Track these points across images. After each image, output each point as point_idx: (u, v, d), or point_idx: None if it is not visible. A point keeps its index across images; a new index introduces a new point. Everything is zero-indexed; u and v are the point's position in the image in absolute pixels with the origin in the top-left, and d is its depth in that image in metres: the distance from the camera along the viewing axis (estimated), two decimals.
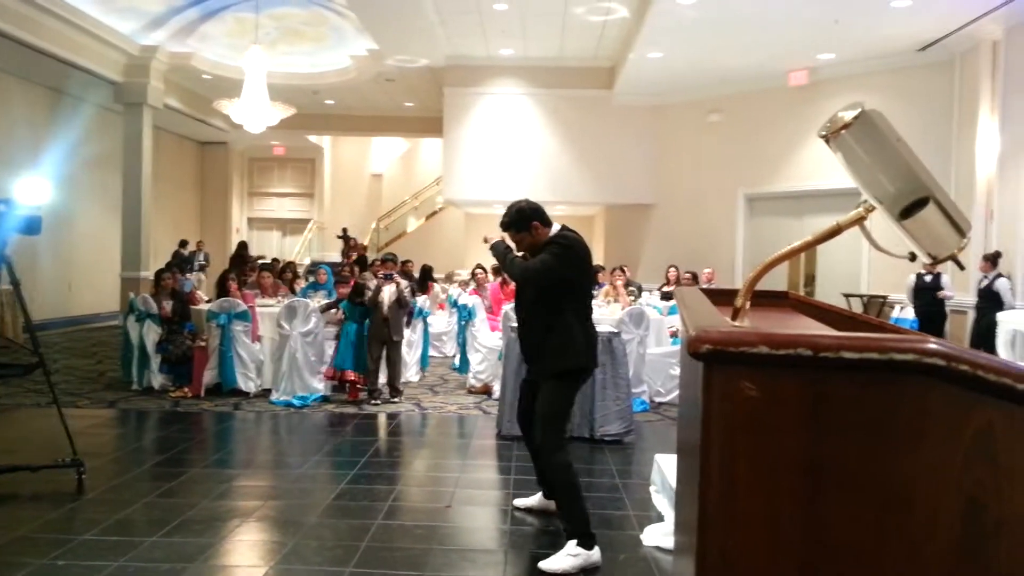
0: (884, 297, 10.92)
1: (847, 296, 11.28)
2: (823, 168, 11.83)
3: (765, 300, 1.88)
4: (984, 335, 7.53)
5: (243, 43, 13.10)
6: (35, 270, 12.70)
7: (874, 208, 1.34)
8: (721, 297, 1.78)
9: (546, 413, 3.81)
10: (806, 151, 12.25)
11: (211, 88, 15.63)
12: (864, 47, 10.83)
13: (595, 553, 3.63)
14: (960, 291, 9.00)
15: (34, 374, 5.07)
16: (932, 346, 0.88)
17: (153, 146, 14.49)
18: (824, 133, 1.34)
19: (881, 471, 0.93)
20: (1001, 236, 8.85)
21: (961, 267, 1.43)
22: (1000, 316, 6.14)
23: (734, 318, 1.41)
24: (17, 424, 6.61)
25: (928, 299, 8.91)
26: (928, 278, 8.76)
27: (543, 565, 3.57)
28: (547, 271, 3.74)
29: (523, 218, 3.87)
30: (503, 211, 3.98)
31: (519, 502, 4.46)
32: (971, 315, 8.67)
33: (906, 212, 1.28)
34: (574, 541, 3.62)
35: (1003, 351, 5.91)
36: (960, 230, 1.29)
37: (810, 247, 1.45)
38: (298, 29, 14.25)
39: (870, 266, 11.31)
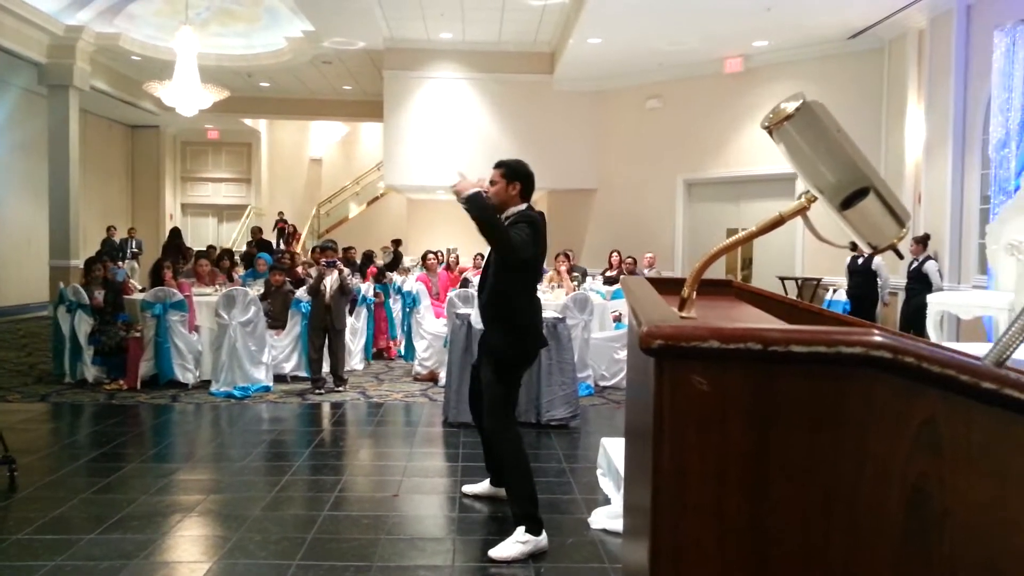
0: (818, 280, 11.23)
1: (782, 279, 11.57)
2: (759, 154, 12.09)
3: (709, 289, 1.92)
4: (913, 316, 7.81)
5: (173, 23, 12.73)
6: None
7: (816, 199, 1.37)
8: (667, 286, 1.81)
9: (493, 395, 3.80)
10: (743, 137, 12.50)
11: (141, 70, 15.16)
12: (797, 34, 11.06)
13: (543, 538, 3.65)
14: (891, 273, 9.31)
15: None
16: (878, 339, 0.91)
17: (80, 130, 14.00)
18: (767, 124, 1.37)
19: (828, 462, 0.96)
20: (929, 219, 9.17)
21: (900, 256, 1.47)
22: (930, 298, 6.37)
23: (681, 309, 1.43)
24: None
25: (860, 281, 9.20)
26: (860, 261, 9.03)
27: (492, 553, 3.59)
28: (524, 248, 3.59)
29: (517, 172, 3.77)
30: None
31: (467, 489, 4.47)
32: (901, 296, 8.99)
33: (847, 203, 1.32)
34: (522, 528, 3.64)
35: (932, 332, 6.14)
36: (900, 220, 1.33)
37: (754, 238, 1.48)
38: (230, 9, 13.90)
39: (804, 250, 11.62)
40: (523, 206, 3.79)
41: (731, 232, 13.11)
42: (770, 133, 1.38)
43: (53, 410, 6.70)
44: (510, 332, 3.80)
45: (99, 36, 13.60)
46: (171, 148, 21.22)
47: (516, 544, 3.60)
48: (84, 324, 7.68)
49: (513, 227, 3.64)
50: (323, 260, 7.55)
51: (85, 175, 14.68)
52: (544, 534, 3.67)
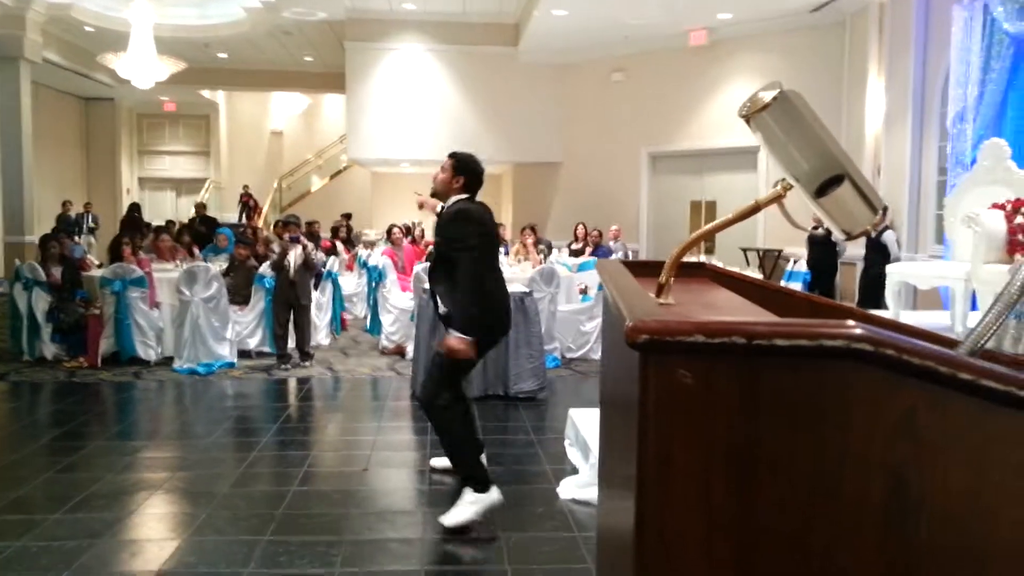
0: (779, 251, 11.38)
1: (744, 250, 11.71)
2: (722, 128, 12.16)
3: (683, 272, 1.94)
4: (872, 285, 7.96)
5: None
6: None
7: (792, 186, 1.39)
8: (642, 270, 1.82)
9: (442, 366, 3.74)
10: (706, 111, 12.56)
11: (94, 41, 14.72)
12: (760, 7, 11.10)
13: (492, 494, 3.68)
14: (850, 244, 9.46)
15: None
16: (859, 331, 0.93)
17: (33, 103, 13.60)
18: (744, 113, 1.38)
19: (811, 452, 0.99)
20: (888, 190, 9.32)
21: (872, 238, 1.51)
22: (889, 268, 6.49)
23: (658, 295, 1.45)
24: None
25: (819, 252, 9.34)
26: (820, 231, 9.16)
27: (444, 519, 3.62)
28: (475, 262, 3.65)
29: (465, 167, 3.85)
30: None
31: (435, 462, 4.49)
32: (859, 266, 9.16)
33: (821, 190, 1.34)
34: (469, 488, 3.67)
35: (891, 302, 6.27)
36: (873, 207, 1.36)
37: (731, 224, 1.50)
38: None
39: (766, 222, 11.75)
40: (462, 196, 3.83)
41: (695, 205, 13.21)
42: (747, 122, 1.40)
43: (12, 389, 6.56)
44: (467, 316, 3.71)
45: (50, 6, 13.17)
46: (127, 121, 20.73)
47: (467, 506, 3.64)
48: (41, 301, 7.51)
49: (449, 225, 3.73)
50: (286, 235, 7.47)
51: (38, 149, 14.28)
52: (494, 489, 3.69)
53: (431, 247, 10.85)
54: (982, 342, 1.07)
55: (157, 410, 6.08)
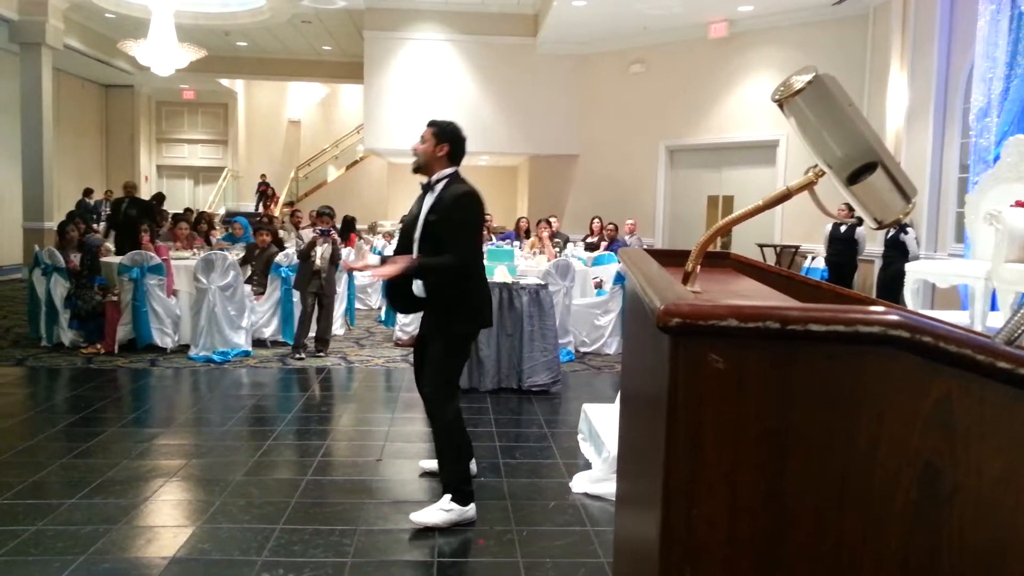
0: (796, 247, 11.30)
1: (761, 246, 11.62)
2: (741, 121, 12.08)
3: (708, 262, 1.91)
4: (890, 283, 7.89)
5: None
6: None
7: (823, 173, 1.36)
8: (665, 259, 1.80)
9: (439, 368, 3.68)
10: (725, 104, 12.47)
11: (115, 28, 14.80)
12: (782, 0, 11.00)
13: (469, 509, 3.60)
14: (869, 241, 9.38)
15: None
16: (896, 318, 0.91)
17: (54, 89, 13.68)
18: (777, 98, 1.35)
19: (844, 440, 0.97)
20: None
21: (905, 229, 1.48)
22: (908, 266, 6.43)
23: (684, 283, 1.42)
24: None
25: (840, 248, 9.26)
26: (843, 228, 9.09)
27: (414, 516, 3.56)
28: (464, 254, 3.59)
29: (447, 133, 3.71)
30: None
31: (425, 464, 4.34)
32: (878, 264, 9.07)
33: (854, 177, 1.31)
34: (448, 496, 3.59)
35: (910, 300, 6.21)
36: (906, 195, 1.33)
37: (760, 211, 1.47)
38: None
39: (783, 217, 11.66)
40: (451, 170, 3.71)
41: (712, 199, 13.13)
42: (781, 107, 1.37)
43: (30, 374, 6.62)
44: (459, 307, 3.69)
45: None
46: (146, 108, 20.84)
47: (440, 511, 3.56)
48: (60, 287, 7.57)
49: (453, 204, 3.59)
50: (318, 227, 7.47)
51: (58, 136, 14.38)
52: (472, 506, 3.62)
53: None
54: (1018, 332, 1.04)
55: (173, 397, 6.12)
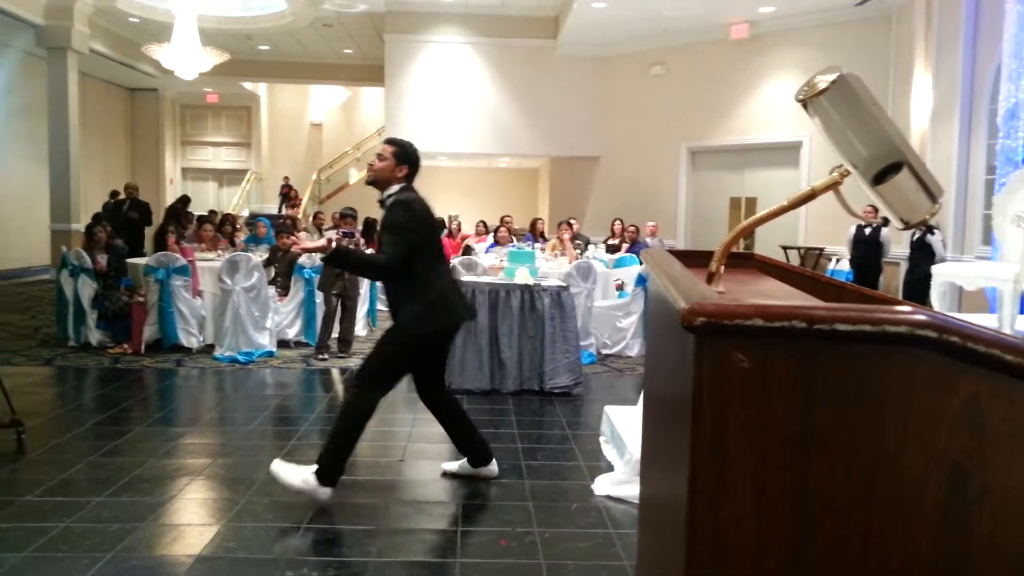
0: (820, 249, 11.21)
1: (785, 248, 11.55)
2: (763, 122, 12.02)
3: (731, 262, 1.91)
4: (916, 286, 7.81)
5: None
6: None
7: (849, 173, 1.36)
8: (688, 259, 1.80)
9: (375, 359, 3.80)
10: (747, 105, 12.40)
11: (140, 32, 14.97)
12: (803, 1, 10.93)
13: (325, 491, 3.69)
14: (895, 244, 9.30)
15: None
16: (923, 318, 0.91)
17: (80, 93, 13.86)
18: (801, 98, 1.35)
19: (870, 441, 0.97)
20: None
21: (932, 231, 1.47)
22: (935, 268, 6.35)
23: (709, 283, 1.43)
24: None
25: (864, 250, 9.18)
26: (868, 231, 9.02)
27: (276, 466, 3.75)
28: (395, 259, 3.66)
29: (408, 156, 3.83)
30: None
31: (447, 466, 4.32)
32: (903, 266, 8.98)
33: (880, 177, 1.31)
34: (314, 468, 3.68)
35: (936, 303, 6.14)
36: (932, 195, 1.32)
37: (785, 211, 1.47)
38: None
39: (807, 219, 11.58)
40: (400, 185, 3.82)
41: (734, 201, 13.06)
42: (805, 107, 1.37)
43: (58, 373, 6.72)
44: (409, 309, 3.78)
45: None
46: (170, 111, 21.05)
47: (298, 479, 3.68)
48: (87, 288, 7.68)
49: (390, 211, 3.74)
50: (341, 229, 7.53)
51: (86, 139, 14.58)
52: (329, 490, 3.70)
53: (467, 241, 10.91)
54: None
55: (198, 397, 6.19)
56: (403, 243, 3.66)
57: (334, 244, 3.66)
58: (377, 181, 3.83)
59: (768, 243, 11.56)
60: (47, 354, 7.36)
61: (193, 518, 3.70)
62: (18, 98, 14.44)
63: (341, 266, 3.79)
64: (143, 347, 7.39)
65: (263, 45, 16.92)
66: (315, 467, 3.69)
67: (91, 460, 4.40)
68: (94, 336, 7.64)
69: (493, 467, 4.17)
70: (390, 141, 3.89)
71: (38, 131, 14.22)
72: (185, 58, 12.26)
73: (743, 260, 2.11)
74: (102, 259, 7.83)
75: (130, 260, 8.06)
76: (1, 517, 3.55)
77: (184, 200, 14.07)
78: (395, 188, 3.80)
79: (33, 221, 14.50)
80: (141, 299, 7.44)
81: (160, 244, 8.04)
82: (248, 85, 20.64)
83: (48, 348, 7.65)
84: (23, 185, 14.79)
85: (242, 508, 3.75)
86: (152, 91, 19.77)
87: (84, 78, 14.89)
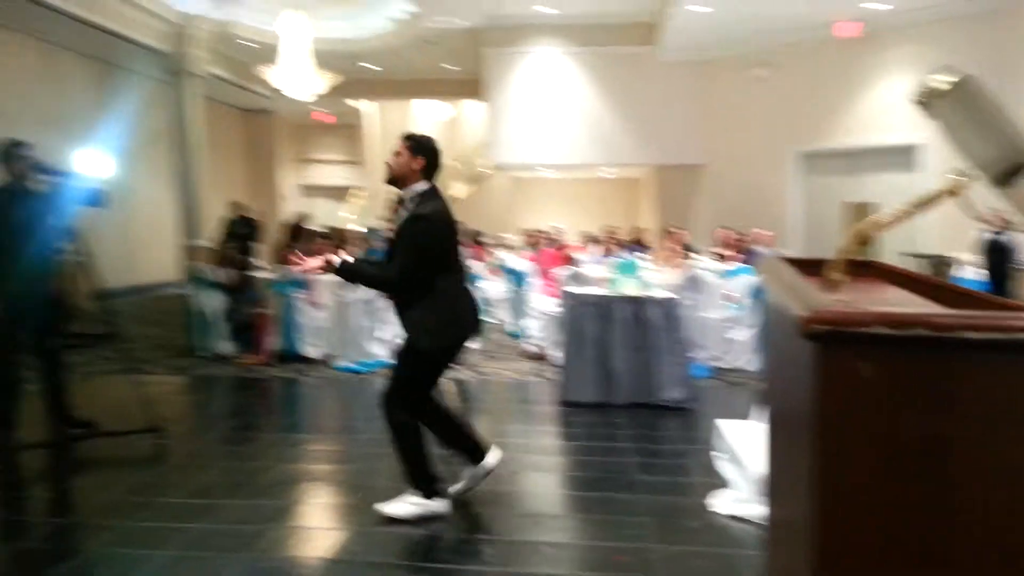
0: (942, 256, 10.66)
1: (911, 255, 11.02)
2: (879, 123, 11.55)
3: (850, 270, 1.86)
4: None
5: (284, 8, 13.15)
6: (96, 241, 13.02)
7: (974, 176, 1.32)
8: (806, 268, 1.77)
9: (397, 377, 3.80)
10: (860, 106, 11.96)
11: (254, 55, 15.72)
12: None
13: (436, 504, 3.77)
14: None
15: (107, 343, 5.27)
16: None
17: (203, 115, 14.69)
18: (921, 99, 1.33)
19: (1008, 450, 0.93)
20: None
21: None
22: None
23: (828, 290, 1.41)
24: (94, 391, 6.86)
25: (992, 256, 8.74)
26: (994, 235, 8.60)
27: (381, 507, 3.79)
28: (407, 269, 3.62)
29: (422, 147, 3.79)
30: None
31: (453, 490, 4.09)
32: None
33: (1007, 179, 1.26)
34: (412, 491, 3.76)
35: None
36: None
37: (911, 214, 1.43)
38: None
39: (926, 225, 11.04)
40: (425, 185, 3.75)
41: (847, 206, 12.58)
42: (924, 108, 1.35)
43: (192, 383, 7.15)
44: (422, 323, 3.73)
45: (214, 23, 14.19)
46: (284, 131, 22.00)
47: (406, 504, 3.79)
48: (216, 301, 8.14)
49: (406, 225, 3.65)
50: None
51: (209, 159, 15.41)
52: (439, 501, 3.79)
53: (572, 253, 10.93)
54: None
55: (320, 406, 6.46)
56: (417, 258, 3.62)
57: (338, 261, 3.65)
58: (396, 177, 3.77)
59: (885, 251, 11.09)
60: (181, 364, 7.83)
61: (319, 522, 3.89)
62: (146, 120, 15.37)
63: (352, 281, 3.84)
64: (269, 358, 7.77)
65: (366, 63, 17.46)
66: (413, 490, 3.80)
67: (224, 465, 4.68)
68: (224, 347, 8.08)
69: (492, 455, 4.11)
70: (406, 136, 3.87)
71: (161, 153, 15.15)
72: (296, 79, 12.79)
73: (862, 268, 2.04)
74: (231, 274, 8.28)
75: (253, 275, 8.48)
76: (143, 517, 3.83)
77: (301, 217, 14.66)
78: (418, 188, 3.73)
79: (161, 239, 15.43)
80: (266, 312, 7.83)
81: (281, 259, 8.43)
82: (353, 103, 21.34)
83: (182, 358, 8.14)
84: (149, 205, 15.77)
85: (365, 514, 3.89)
86: (266, 112, 20.73)
87: (206, 101, 15.76)
